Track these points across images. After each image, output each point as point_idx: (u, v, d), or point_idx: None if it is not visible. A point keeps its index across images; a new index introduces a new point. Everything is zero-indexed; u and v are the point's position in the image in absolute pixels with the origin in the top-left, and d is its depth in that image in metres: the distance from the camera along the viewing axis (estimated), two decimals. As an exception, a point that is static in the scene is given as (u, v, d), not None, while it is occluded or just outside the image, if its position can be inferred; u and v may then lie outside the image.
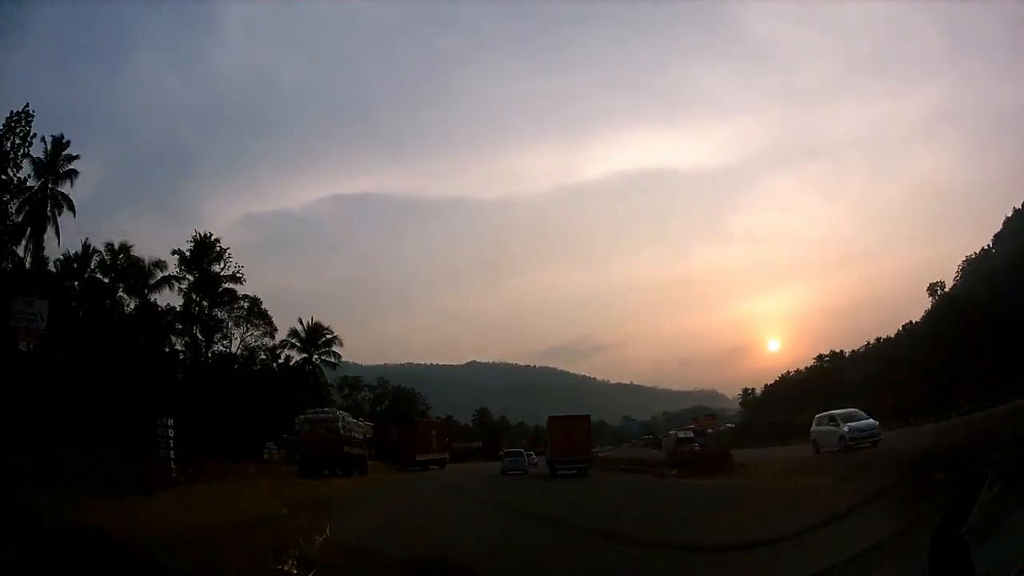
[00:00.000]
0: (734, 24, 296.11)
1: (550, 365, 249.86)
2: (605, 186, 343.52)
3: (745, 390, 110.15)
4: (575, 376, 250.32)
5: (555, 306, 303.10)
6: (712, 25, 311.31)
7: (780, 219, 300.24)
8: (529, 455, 43.75)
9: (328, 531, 9.67)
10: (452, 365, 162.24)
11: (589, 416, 39.08)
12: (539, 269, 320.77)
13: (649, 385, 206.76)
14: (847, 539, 7.77)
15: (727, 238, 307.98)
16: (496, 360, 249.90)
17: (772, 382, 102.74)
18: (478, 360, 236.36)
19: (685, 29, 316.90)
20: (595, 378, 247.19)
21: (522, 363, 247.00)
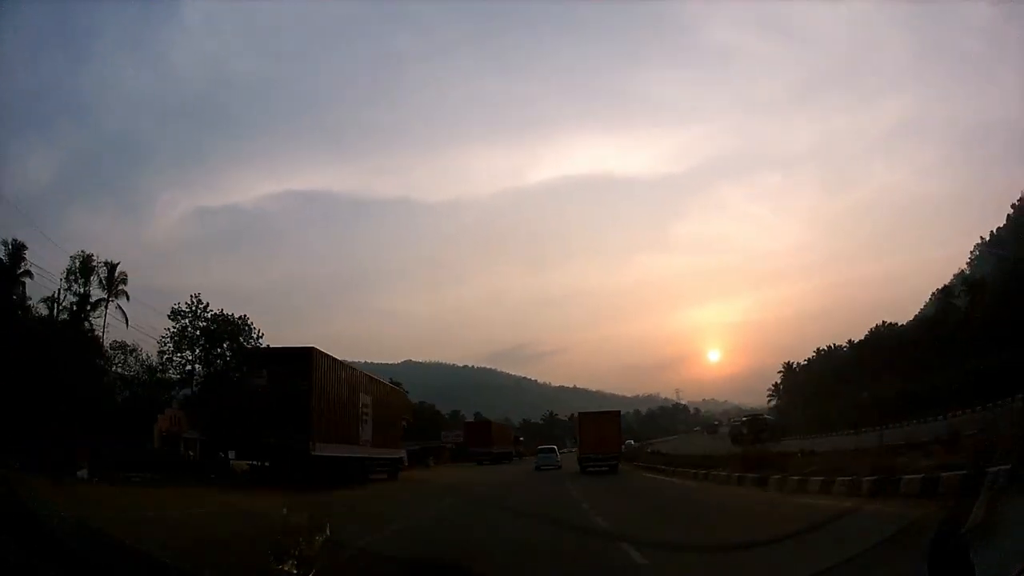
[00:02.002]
0: (692, 31, 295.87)
1: (489, 367, 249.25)
2: (552, 191, 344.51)
3: (775, 385, 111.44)
4: (515, 378, 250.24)
5: (497, 310, 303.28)
6: (669, 31, 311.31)
7: (729, 229, 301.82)
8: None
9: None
10: (387, 363, 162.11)
11: (619, 413, 39.50)
12: (482, 272, 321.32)
13: (594, 389, 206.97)
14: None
15: (674, 246, 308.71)
16: (432, 360, 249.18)
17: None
18: (414, 359, 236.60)
19: (642, 34, 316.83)
20: (536, 380, 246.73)
21: (460, 364, 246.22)
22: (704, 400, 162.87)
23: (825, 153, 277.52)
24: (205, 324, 34.47)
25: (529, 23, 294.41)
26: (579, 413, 39.08)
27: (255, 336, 34.53)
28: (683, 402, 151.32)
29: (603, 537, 9.87)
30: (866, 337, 76.34)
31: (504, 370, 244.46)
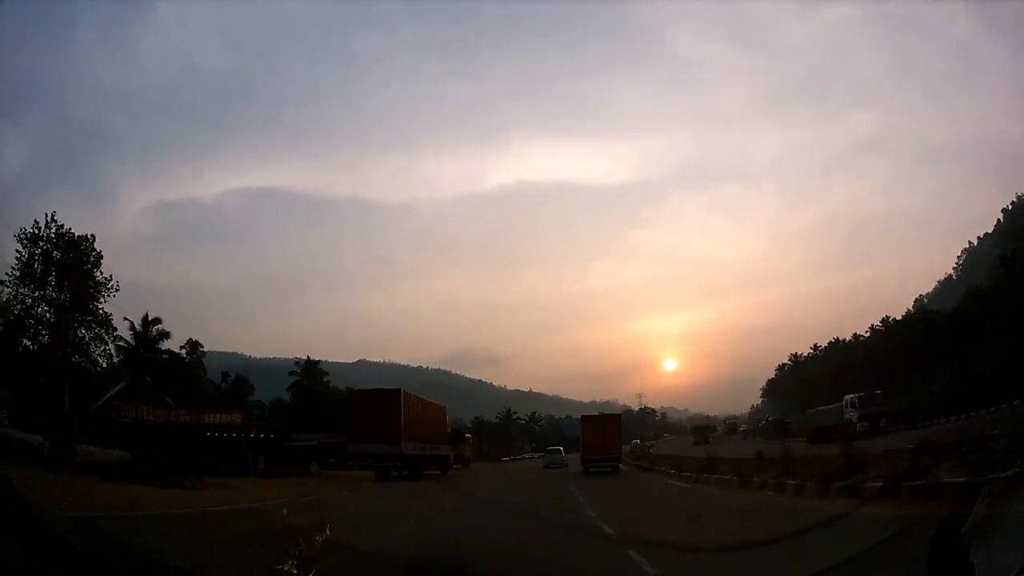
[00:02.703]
0: (656, 40, 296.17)
1: (443, 368, 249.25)
2: (510, 196, 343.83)
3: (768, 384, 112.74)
4: (469, 380, 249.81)
5: (453, 312, 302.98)
6: (633, 40, 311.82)
7: (687, 239, 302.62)
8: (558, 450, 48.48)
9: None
10: (342, 362, 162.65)
11: (620, 416, 40.48)
12: (439, 275, 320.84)
13: (550, 393, 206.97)
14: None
15: (632, 255, 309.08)
16: (387, 360, 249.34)
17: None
18: (368, 359, 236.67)
19: (605, 43, 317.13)
20: (491, 383, 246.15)
21: (414, 365, 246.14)
22: (663, 407, 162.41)
23: (786, 166, 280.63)
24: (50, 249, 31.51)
25: (492, 27, 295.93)
26: (582, 416, 40.06)
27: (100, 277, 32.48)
28: (651, 407, 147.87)
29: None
30: (863, 339, 78.40)
31: (459, 372, 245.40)
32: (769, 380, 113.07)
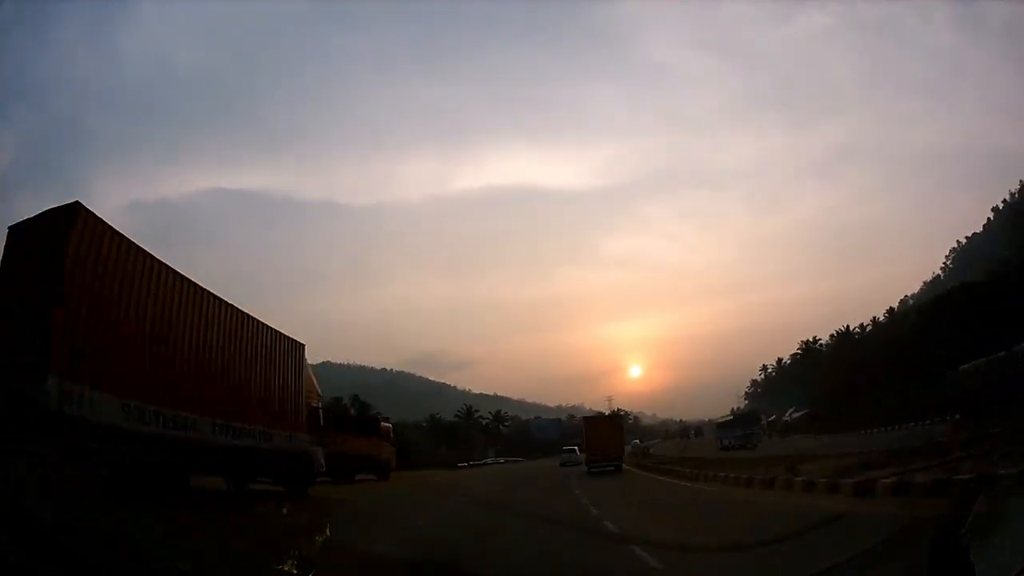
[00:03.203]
0: (628, 45, 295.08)
1: (408, 371, 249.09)
2: (478, 200, 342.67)
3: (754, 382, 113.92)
4: (434, 383, 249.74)
5: (419, 315, 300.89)
6: (605, 44, 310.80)
7: (655, 245, 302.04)
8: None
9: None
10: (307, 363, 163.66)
11: (622, 416, 40.50)
12: (404, 278, 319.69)
13: (515, 398, 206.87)
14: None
15: (599, 260, 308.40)
16: (351, 362, 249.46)
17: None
18: (332, 360, 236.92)
19: (576, 47, 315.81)
20: (455, 387, 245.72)
21: (378, 367, 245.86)
22: (629, 412, 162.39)
23: (757, 173, 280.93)
24: None
25: (464, 29, 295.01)
26: (584, 417, 41.67)
27: None
28: (624, 410, 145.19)
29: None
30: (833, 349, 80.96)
31: (423, 375, 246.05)
32: (752, 381, 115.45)
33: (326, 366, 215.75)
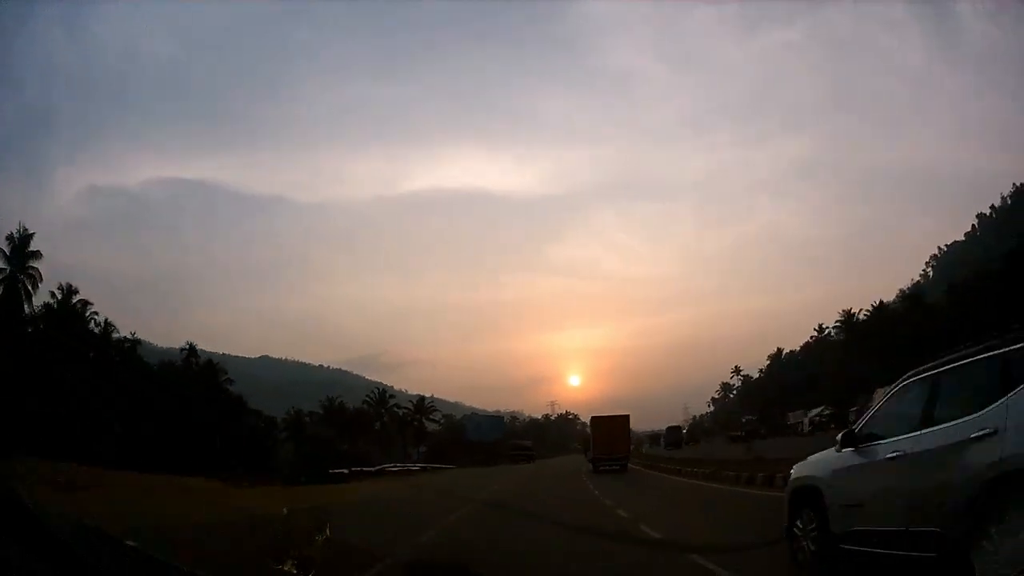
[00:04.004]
0: (586, 52, 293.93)
1: (346, 369, 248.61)
2: (426, 202, 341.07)
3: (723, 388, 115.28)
4: (372, 382, 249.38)
5: (360, 315, 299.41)
6: (562, 51, 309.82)
7: (602, 255, 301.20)
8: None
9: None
10: (244, 356, 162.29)
11: (628, 416, 40.75)
12: (348, 277, 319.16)
13: (452, 400, 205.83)
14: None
15: (546, 268, 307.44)
16: (290, 358, 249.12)
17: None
18: (271, 355, 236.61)
19: (532, 50, 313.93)
20: (392, 387, 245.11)
21: (316, 363, 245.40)
22: (578, 417, 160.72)
23: (708, 186, 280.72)
24: None
25: (420, 30, 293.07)
26: (592, 417, 40.67)
27: None
28: (573, 413, 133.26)
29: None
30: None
31: (361, 374, 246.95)
32: (723, 384, 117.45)
33: (265, 360, 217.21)
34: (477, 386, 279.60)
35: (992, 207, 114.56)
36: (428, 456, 71.36)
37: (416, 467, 56.26)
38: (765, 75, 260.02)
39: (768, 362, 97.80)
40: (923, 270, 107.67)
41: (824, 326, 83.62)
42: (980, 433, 4.13)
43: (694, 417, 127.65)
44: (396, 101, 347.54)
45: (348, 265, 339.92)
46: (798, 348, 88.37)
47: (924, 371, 5.22)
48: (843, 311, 74.40)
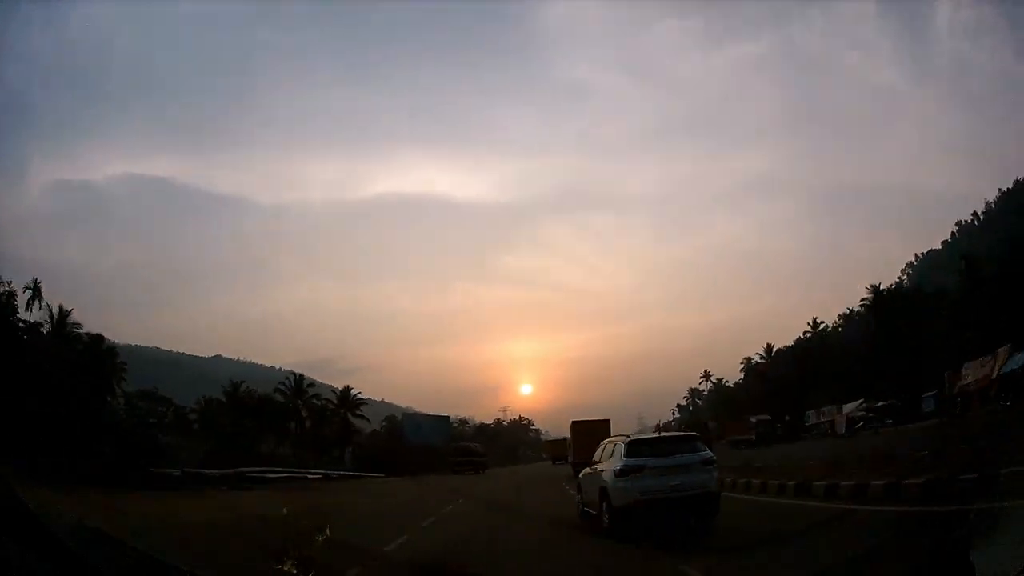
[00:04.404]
0: (545, 61, 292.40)
1: (298, 371, 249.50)
2: (380, 206, 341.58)
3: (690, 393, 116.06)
4: (323, 385, 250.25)
5: (314, 318, 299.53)
6: (521, 58, 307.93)
7: (555, 265, 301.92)
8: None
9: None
10: (198, 356, 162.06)
11: (609, 420, 39.95)
12: (304, 280, 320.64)
13: (403, 405, 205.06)
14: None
15: (499, 276, 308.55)
16: (243, 358, 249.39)
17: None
18: (224, 355, 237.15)
19: (491, 59, 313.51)
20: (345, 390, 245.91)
21: (268, 365, 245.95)
22: (524, 425, 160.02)
23: (665, 199, 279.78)
24: None
25: (381, 34, 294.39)
26: (573, 421, 39.83)
27: None
28: (527, 419, 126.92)
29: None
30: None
31: (312, 376, 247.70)
32: (687, 394, 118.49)
33: (217, 360, 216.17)
34: (429, 392, 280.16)
35: (974, 213, 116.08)
36: (358, 461, 58.44)
37: (317, 475, 41.69)
38: (728, 89, 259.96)
39: (743, 365, 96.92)
40: (898, 278, 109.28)
41: (820, 321, 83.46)
42: (607, 469, 11.53)
43: (658, 424, 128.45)
44: (354, 105, 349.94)
45: (305, 268, 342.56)
46: (792, 343, 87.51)
47: (611, 439, 13.67)
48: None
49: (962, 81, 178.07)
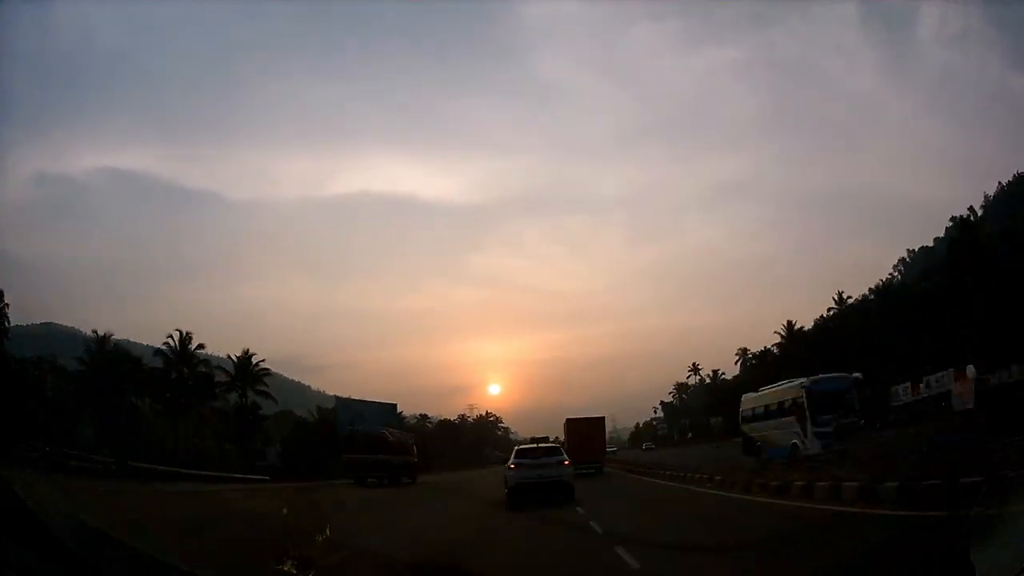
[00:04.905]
0: (520, 61, 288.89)
1: (265, 367, 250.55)
2: (351, 205, 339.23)
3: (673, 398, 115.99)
4: (291, 381, 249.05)
5: (284, 315, 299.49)
6: (496, 57, 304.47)
7: (526, 266, 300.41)
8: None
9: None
10: (160, 348, 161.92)
11: (604, 418, 39.55)
12: (273, 276, 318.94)
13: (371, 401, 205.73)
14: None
15: (468, 277, 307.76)
16: (211, 353, 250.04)
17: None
18: (188, 348, 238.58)
19: (465, 56, 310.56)
20: (311, 387, 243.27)
21: (233, 357, 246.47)
22: (492, 422, 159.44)
23: (638, 202, 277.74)
24: None
25: (355, 30, 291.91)
26: (567, 419, 38.47)
27: None
28: (494, 414, 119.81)
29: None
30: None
31: (280, 372, 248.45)
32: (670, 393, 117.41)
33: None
34: (396, 389, 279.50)
35: (970, 208, 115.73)
36: (288, 458, 46.61)
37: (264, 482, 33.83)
38: (705, 92, 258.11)
39: (738, 358, 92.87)
40: (890, 273, 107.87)
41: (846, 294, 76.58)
42: (508, 465, 19.02)
43: (638, 425, 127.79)
44: (327, 101, 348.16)
45: (273, 264, 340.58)
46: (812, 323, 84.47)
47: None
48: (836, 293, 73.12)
49: (944, 88, 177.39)
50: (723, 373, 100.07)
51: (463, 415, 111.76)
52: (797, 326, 75.72)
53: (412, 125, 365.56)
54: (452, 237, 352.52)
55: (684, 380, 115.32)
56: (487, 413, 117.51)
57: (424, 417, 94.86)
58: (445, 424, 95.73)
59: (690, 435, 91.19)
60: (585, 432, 35.40)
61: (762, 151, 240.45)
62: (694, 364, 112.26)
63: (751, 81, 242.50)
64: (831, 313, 76.00)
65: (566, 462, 18.45)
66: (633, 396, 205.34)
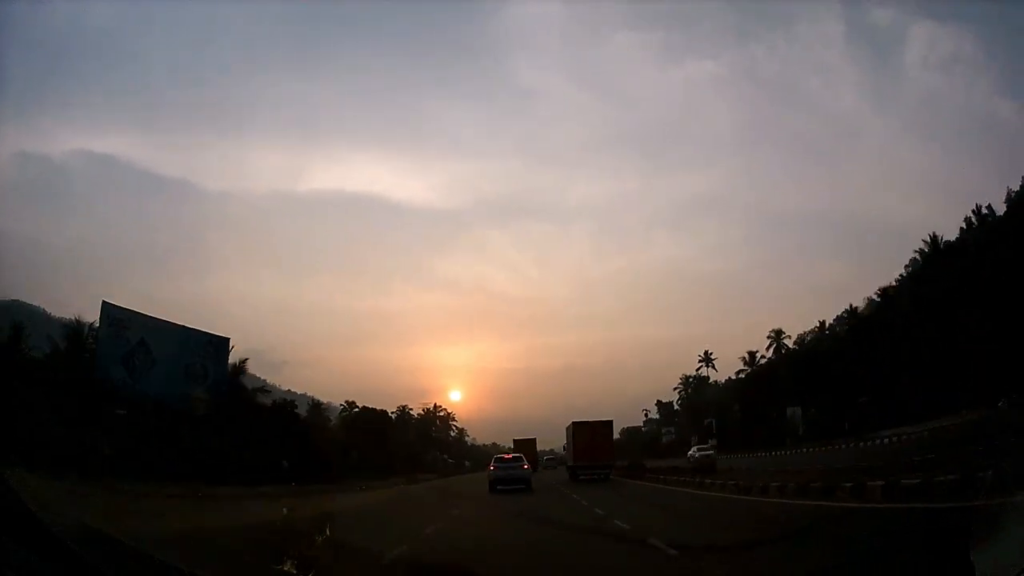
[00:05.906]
0: (495, 64, 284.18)
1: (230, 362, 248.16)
2: (321, 203, 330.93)
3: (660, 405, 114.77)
4: (254, 377, 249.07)
5: (249, 310, 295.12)
6: (470, 60, 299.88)
7: (491, 272, 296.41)
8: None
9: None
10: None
11: (612, 422, 38.01)
12: (240, 270, 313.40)
13: (336, 404, 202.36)
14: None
15: (433, 280, 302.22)
16: None
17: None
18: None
19: (440, 59, 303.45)
20: (278, 386, 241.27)
21: None
22: (443, 417, 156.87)
23: (607, 213, 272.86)
24: None
25: (334, 26, 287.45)
26: (573, 422, 36.81)
27: None
28: (444, 408, 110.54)
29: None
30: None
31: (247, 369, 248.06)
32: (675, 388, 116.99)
33: None
34: (359, 390, 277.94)
35: (975, 208, 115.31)
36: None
37: None
38: (681, 106, 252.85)
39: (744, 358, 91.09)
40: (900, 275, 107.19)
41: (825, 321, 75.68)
42: (491, 467, 29.79)
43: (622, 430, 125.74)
44: (303, 96, 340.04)
45: (240, 257, 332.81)
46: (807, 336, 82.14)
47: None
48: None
49: (928, 111, 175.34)
50: (762, 356, 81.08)
51: (404, 406, 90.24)
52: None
53: (386, 125, 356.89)
54: (419, 240, 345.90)
55: (692, 373, 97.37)
56: (436, 406, 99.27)
57: (351, 405, 74.96)
58: (370, 415, 67.91)
59: (712, 441, 59.83)
60: (592, 436, 34.34)
61: (736, 167, 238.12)
62: (706, 353, 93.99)
63: (730, 96, 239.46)
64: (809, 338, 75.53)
65: (525, 466, 27.84)
66: (598, 405, 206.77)
